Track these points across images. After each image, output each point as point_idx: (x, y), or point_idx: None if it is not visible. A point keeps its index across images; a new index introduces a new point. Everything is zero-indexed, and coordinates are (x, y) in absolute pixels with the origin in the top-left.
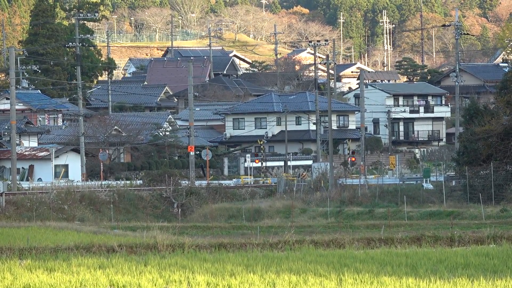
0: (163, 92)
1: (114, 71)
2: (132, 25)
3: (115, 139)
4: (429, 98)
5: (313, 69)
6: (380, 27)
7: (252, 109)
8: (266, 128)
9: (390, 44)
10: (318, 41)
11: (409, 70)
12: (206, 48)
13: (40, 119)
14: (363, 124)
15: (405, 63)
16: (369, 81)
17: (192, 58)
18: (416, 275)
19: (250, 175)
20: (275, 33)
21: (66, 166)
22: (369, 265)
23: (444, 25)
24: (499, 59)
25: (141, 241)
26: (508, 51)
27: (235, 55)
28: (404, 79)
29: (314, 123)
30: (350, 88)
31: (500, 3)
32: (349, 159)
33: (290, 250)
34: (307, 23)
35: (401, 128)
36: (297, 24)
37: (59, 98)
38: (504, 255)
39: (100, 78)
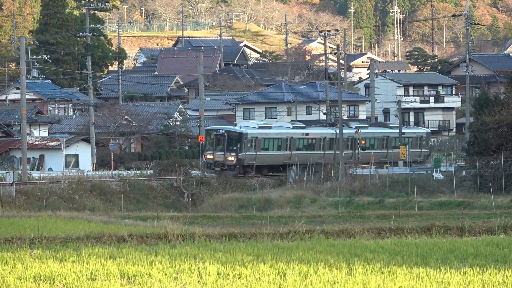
0: (173, 82)
1: (124, 61)
2: (143, 14)
3: (125, 129)
4: (440, 88)
5: (324, 59)
6: (391, 17)
7: (262, 99)
8: (276, 118)
9: (400, 34)
10: (329, 31)
11: (419, 60)
12: (216, 38)
13: (51, 108)
14: (374, 114)
15: (416, 53)
16: (380, 71)
17: (202, 48)
18: (427, 265)
19: None
20: (285, 23)
21: (76, 156)
22: (380, 255)
23: (454, 15)
24: (509, 49)
25: (151, 231)
26: None
27: (245, 45)
28: (414, 69)
29: (324, 113)
30: (360, 78)
31: None
32: (359, 149)
33: (300, 240)
34: (317, 13)
35: (412, 118)
36: (307, 14)
37: (69, 88)
38: None
39: (110, 68)
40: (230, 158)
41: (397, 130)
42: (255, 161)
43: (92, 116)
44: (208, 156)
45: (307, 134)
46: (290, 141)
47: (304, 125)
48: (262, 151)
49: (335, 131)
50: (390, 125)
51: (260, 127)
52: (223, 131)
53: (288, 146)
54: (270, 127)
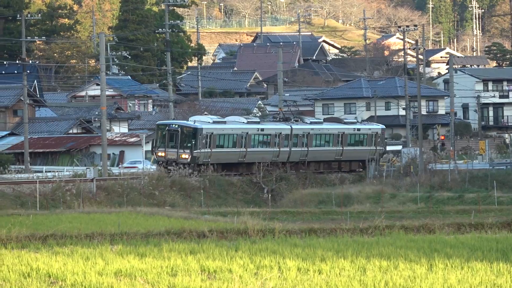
0: (252, 78)
1: (203, 56)
2: (222, 10)
3: None
4: None
5: (402, 54)
6: (469, 12)
7: (341, 94)
8: (355, 113)
9: (479, 29)
10: (407, 26)
11: (498, 55)
12: (295, 33)
13: (130, 105)
14: (453, 109)
15: (494, 48)
16: (458, 66)
17: (281, 43)
18: (507, 260)
19: None
20: (364, 19)
21: None
22: (460, 250)
23: None
24: None
25: (231, 226)
26: None
27: (324, 41)
28: (493, 64)
29: (403, 108)
30: (439, 73)
31: None
32: (438, 144)
33: (380, 235)
34: (396, 8)
35: (491, 113)
36: (386, 10)
37: (149, 84)
38: None
39: (189, 64)
40: (184, 156)
41: (353, 126)
42: (210, 158)
43: (172, 112)
44: (159, 154)
45: (262, 129)
46: (246, 137)
47: (259, 120)
48: (217, 148)
49: (291, 126)
50: (345, 120)
51: (215, 122)
52: (176, 126)
53: (243, 142)
54: (225, 122)
